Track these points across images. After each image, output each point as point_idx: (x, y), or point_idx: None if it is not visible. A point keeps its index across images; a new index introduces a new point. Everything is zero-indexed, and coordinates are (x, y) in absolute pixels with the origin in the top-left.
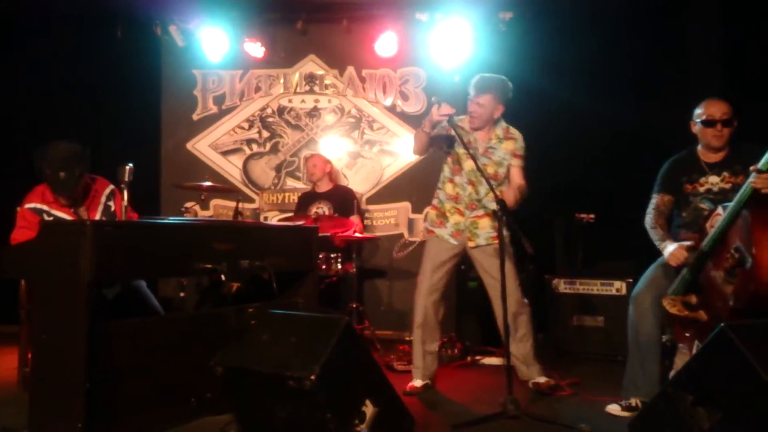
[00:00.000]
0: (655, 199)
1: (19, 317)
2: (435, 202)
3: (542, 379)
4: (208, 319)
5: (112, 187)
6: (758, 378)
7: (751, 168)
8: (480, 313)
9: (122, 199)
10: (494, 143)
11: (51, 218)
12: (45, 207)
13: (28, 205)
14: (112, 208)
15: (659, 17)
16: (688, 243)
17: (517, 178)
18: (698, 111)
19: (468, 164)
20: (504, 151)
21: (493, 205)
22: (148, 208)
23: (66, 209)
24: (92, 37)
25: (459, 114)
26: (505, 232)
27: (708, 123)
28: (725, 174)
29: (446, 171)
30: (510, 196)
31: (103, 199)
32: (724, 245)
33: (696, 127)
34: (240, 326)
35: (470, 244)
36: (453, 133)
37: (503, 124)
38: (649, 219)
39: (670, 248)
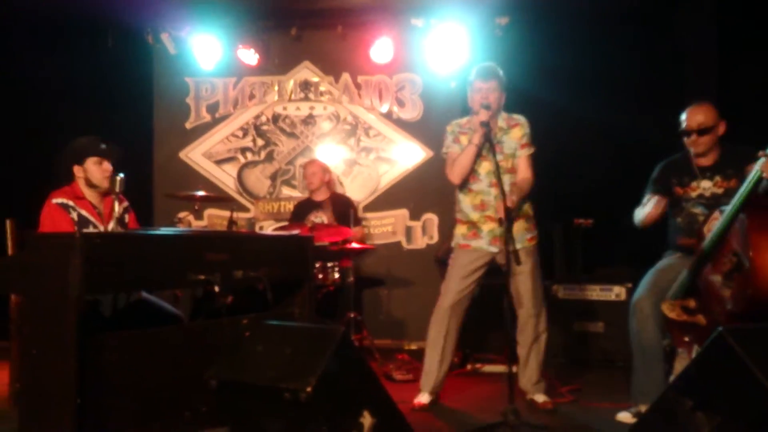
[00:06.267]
0: (645, 200)
1: (9, 332)
2: (460, 216)
3: (541, 398)
4: (202, 331)
5: (128, 204)
6: (757, 382)
7: (760, 153)
8: (480, 320)
9: (113, 210)
10: (500, 136)
11: (75, 214)
12: (71, 203)
13: (55, 200)
14: (126, 220)
15: (655, 22)
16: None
17: (524, 170)
18: (681, 117)
19: (485, 166)
20: (512, 140)
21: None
22: (141, 218)
23: (91, 209)
24: (83, 45)
25: (456, 117)
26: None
27: (684, 133)
28: (717, 179)
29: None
30: (516, 193)
31: (120, 209)
32: (722, 249)
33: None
34: (234, 338)
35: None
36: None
37: (503, 113)
38: (636, 210)
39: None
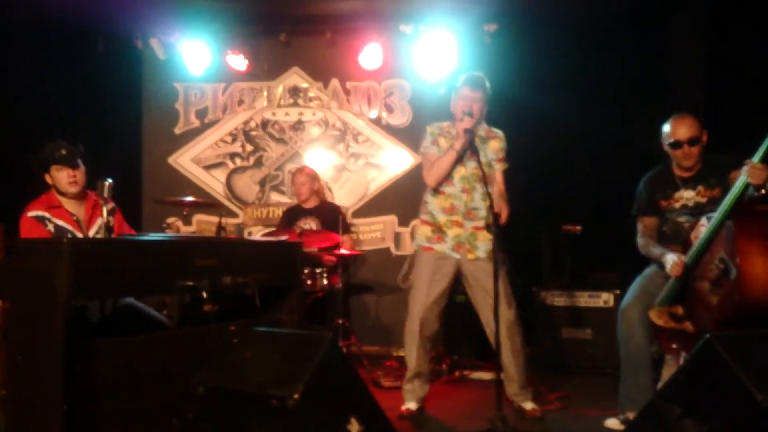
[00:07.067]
0: (640, 224)
1: None
2: (425, 217)
3: (529, 406)
4: (189, 337)
5: (113, 204)
6: (744, 389)
7: (746, 161)
8: (468, 327)
9: (101, 215)
10: (477, 143)
11: (52, 225)
12: (47, 215)
13: (30, 213)
14: (112, 223)
15: (642, 30)
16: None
17: (500, 182)
18: (666, 130)
19: (459, 171)
20: (491, 150)
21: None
22: (130, 223)
23: (68, 218)
24: (73, 50)
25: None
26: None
27: (675, 145)
28: (700, 188)
29: None
30: (503, 205)
31: (104, 212)
32: (709, 256)
33: (665, 148)
34: (222, 344)
35: (470, 256)
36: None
37: (484, 124)
38: (641, 242)
39: (671, 259)
